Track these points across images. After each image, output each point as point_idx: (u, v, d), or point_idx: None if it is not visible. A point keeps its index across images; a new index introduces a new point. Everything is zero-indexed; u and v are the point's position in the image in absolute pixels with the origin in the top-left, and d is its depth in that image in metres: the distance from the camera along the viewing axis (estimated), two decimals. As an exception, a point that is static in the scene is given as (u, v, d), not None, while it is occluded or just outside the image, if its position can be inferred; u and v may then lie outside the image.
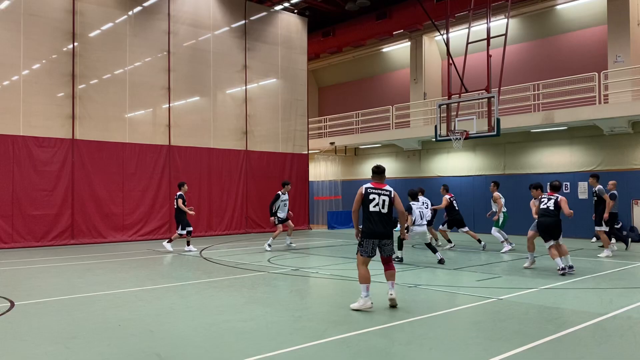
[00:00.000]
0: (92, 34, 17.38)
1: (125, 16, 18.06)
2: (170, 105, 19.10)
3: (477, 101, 18.41)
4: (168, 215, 18.52)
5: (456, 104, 16.41)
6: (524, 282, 9.22)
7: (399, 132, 22.61)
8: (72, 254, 14.05)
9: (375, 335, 5.88)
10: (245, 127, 21.25)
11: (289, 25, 22.95)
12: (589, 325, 6.22)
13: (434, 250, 11.97)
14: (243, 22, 21.27)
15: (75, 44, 16.88)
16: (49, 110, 16.45)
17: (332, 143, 25.10)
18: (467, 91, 16.02)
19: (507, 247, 13.81)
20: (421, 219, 11.93)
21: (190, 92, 19.84)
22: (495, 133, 15.02)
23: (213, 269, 11.16)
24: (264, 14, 22.12)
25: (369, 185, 7.42)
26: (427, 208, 12.81)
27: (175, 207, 14.44)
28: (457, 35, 20.58)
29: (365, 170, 25.35)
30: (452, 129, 15.90)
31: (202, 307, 7.43)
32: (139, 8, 18.39)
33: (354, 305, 7.19)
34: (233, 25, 21.02)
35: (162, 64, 18.94)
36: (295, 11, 23.37)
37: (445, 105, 16.34)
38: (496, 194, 14.39)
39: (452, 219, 14.77)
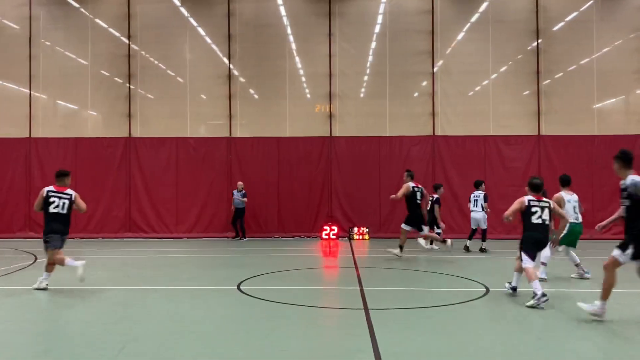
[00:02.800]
0: (556, 28, 17.12)
1: (591, 1, 16.97)
2: (645, 89, 16.80)
3: None
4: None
5: None
6: None
7: None
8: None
9: None
10: None
11: None
12: None
13: None
14: None
15: (540, 40, 16.96)
16: (515, 109, 17.13)
17: None
18: None
19: None
20: None
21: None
22: None
23: None
24: None
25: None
26: None
27: None
28: None
29: None
30: None
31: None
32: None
33: None
34: None
35: (634, 45, 16.87)
36: None
37: None
38: None
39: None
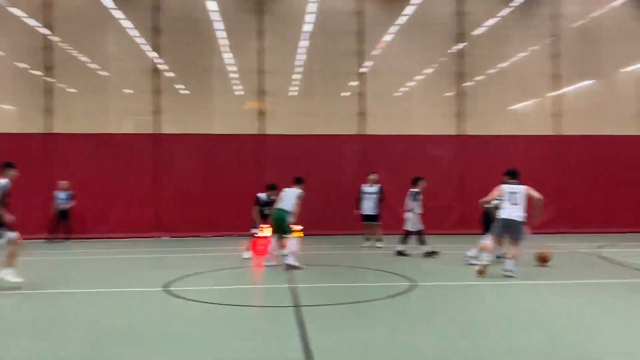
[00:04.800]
0: (477, 32, 17.95)
1: (509, 8, 17.94)
2: (558, 92, 18.00)
3: None
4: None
5: None
6: None
7: None
8: (461, 243, 14.77)
9: None
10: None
11: None
12: None
13: None
14: (644, -13, 18.28)
15: (462, 44, 17.74)
16: (437, 110, 17.83)
17: None
18: None
19: None
20: None
21: (580, 76, 18.23)
22: None
23: (611, 270, 9.96)
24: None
25: None
26: None
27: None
28: None
29: None
30: None
31: (589, 311, 6.70)
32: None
33: None
34: (631, -6, 18.31)
35: (548, 51, 18.03)
36: None
37: None
38: None
39: None
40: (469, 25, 17.86)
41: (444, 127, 17.82)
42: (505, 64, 18.03)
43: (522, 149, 17.80)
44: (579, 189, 17.83)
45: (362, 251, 13.15)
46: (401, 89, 18.02)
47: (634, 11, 18.29)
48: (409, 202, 11.97)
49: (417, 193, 11.95)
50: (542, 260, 10.19)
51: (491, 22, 17.97)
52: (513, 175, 9.40)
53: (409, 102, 17.86)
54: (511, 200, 9.03)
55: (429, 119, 17.82)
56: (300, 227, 16.04)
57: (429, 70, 17.97)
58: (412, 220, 11.90)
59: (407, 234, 12.03)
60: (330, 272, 10.21)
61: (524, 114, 18.19)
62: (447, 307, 6.99)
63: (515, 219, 8.93)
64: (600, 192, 17.90)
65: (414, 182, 12.19)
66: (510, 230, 8.95)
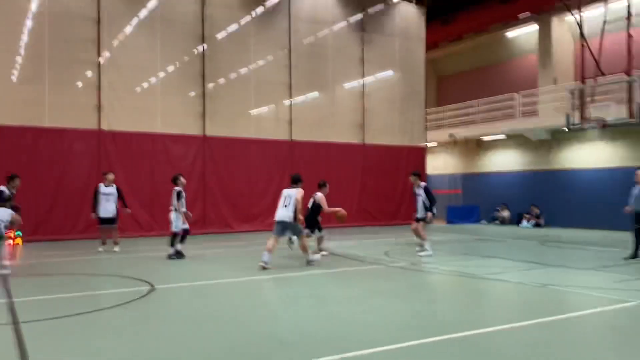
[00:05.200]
0: (219, 36, 18.45)
1: (249, 17, 18.92)
2: (291, 101, 19.73)
3: (615, 85, 16.78)
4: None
5: (591, 90, 15.10)
6: (672, 286, 8.27)
7: (526, 122, 21.32)
8: (204, 242, 15.09)
9: (501, 335, 5.63)
10: (363, 120, 21.34)
11: (407, 16, 22.60)
12: None
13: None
14: (361, 15, 21.32)
15: (205, 46, 18.02)
16: (181, 109, 17.78)
17: (451, 135, 24.36)
18: (603, 75, 14.69)
19: None
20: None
21: (310, 88, 20.33)
22: (636, 121, 13.62)
23: (332, 261, 11.37)
24: (382, 6, 21.96)
25: None
26: None
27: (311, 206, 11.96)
28: (591, 15, 18.86)
29: (489, 163, 24.26)
30: (587, 116, 14.68)
31: (323, 297, 7.62)
32: (261, 9, 19.16)
33: None
34: (350, 19, 21.15)
35: (284, 61, 19.60)
36: (414, 0, 22.92)
37: (578, 91, 15.11)
38: None
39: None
40: (212, 28, 18.24)
41: (188, 126, 17.84)
42: (245, 70, 18.94)
43: (260, 152, 19.02)
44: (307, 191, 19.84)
45: (98, 256, 12.28)
46: (143, 85, 17.38)
47: (352, 35, 21.17)
48: (174, 202, 11.44)
49: (180, 192, 11.55)
50: (340, 218, 11.35)
51: (233, 27, 18.68)
52: (293, 181, 10.69)
53: (152, 99, 17.34)
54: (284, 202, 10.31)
55: (172, 117, 17.59)
56: (19, 233, 14.18)
57: (172, 68, 17.75)
58: (176, 220, 11.40)
59: (174, 235, 11.54)
60: (58, 282, 9.27)
61: (262, 118, 19.38)
62: (181, 309, 7.05)
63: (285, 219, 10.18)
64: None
65: (174, 180, 11.70)
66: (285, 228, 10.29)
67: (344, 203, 20.50)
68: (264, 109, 19.50)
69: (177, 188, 11.55)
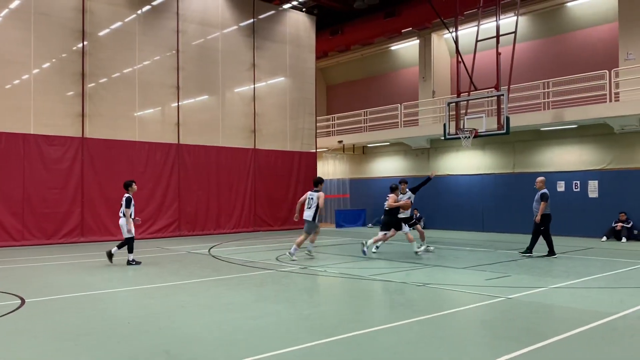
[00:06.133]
0: (101, 33, 17.46)
1: (135, 15, 18.13)
2: (180, 103, 19.16)
3: (486, 99, 18.34)
4: (177, 213, 18.65)
5: (465, 102, 16.36)
6: (533, 282, 9.17)
7: (408, 131, 22.54)
8: (82, 252, 14.15)
9: (384, 333, 5.88)
10: (254, 125, 21.29)
11: (297, 24, 22.95)
12: (599, 325, 6.17)
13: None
14: (251, 20, 21.29)
15: (85, 42, 16.96)
16: (58, 108, 16.56)
17: (340, 141, 25.09)
18: (476, 89, 15.97)
19: None
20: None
21: (199, 91, 19.89)
22: (504, 131, 14.97)
23: (222, 267, 11.20)
24: (272, 12, 22.13)
25: None
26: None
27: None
28: (467, 33, 20.47)
29: (374, 168, 25.30)
30: (461, 127, 15.87)
31: (211, 305, 7.46)
32: (148, 7, 18.45)
33: None
34: (241, 24, 21.04)
35: (171, 63, 19.00)
36: (304, 10, 23.37)
37: (454, 104, 16.30)
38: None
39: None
40: (94, 24, 17.21)
41: (65, 127, 16.64)
42: (130, 70, 18.08)
43: (145, 155, 18.23)
44: (196, 194, 19.40)
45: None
46: (14, 82, 15.93)
47: (243, 39, 21.06)
48: (123, 208, 11.24)
49: (130, 198, 11.31)
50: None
51: (117, 25, 17.77)
52: (315, 183, 12.59)
53: (25, 97, 15.92)
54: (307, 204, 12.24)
55: (48, 117, 16.29)
56: None
57: (48, 65, 16.47)
58: (127, 225, 11.26)
59: (129, 239, 11.31)
60: None
61: (148, 121, 18.59)
62: (57, 324, 6.54)
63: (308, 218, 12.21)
64: (213, 197, 19.90)
65: (126, 186, 11.52)
66: None
67: (235, 208, 20.46)
68: (149, 111, 18.73)
69: (128, 195, 11.39)
